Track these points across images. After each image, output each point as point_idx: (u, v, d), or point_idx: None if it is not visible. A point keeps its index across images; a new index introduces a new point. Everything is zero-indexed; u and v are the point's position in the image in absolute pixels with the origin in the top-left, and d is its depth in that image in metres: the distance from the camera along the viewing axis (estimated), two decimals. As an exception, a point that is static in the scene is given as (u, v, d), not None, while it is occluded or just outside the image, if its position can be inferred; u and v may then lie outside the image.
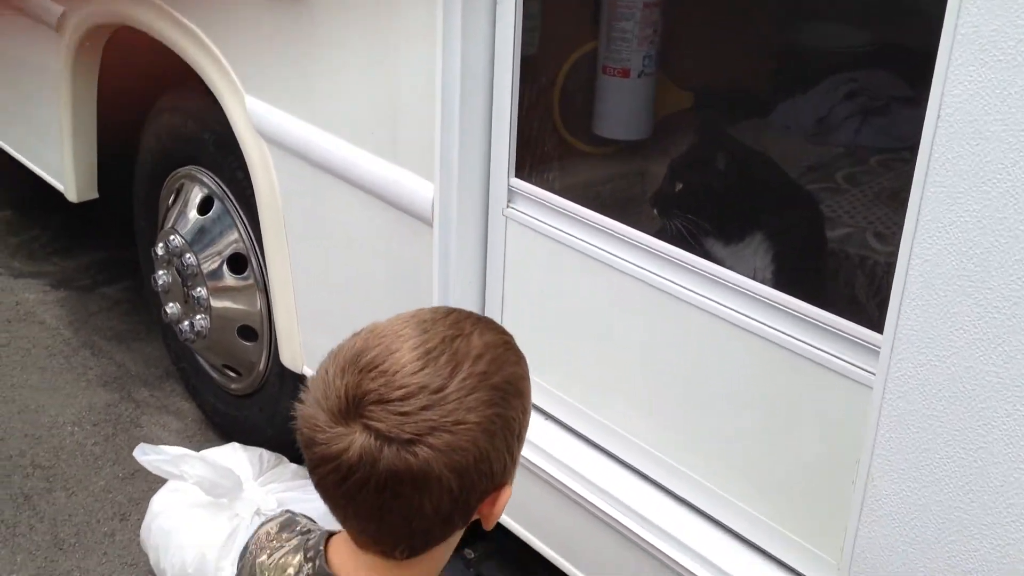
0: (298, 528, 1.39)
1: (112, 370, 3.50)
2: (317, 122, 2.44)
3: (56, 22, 3.24)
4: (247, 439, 3.03)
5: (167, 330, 3.26)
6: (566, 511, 2.09)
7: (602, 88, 2.38)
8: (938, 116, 1.38)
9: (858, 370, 1.64)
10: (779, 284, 1.84)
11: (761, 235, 2.02)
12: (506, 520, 2.23)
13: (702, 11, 2.49)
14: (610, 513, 2.00)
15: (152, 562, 2.65)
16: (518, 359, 1.28)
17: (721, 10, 2.45)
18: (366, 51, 2.25)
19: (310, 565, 1.29)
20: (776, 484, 1.84)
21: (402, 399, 1.15)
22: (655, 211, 2.10)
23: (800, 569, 1.81)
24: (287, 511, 1.46)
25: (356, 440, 1.14)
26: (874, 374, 1.53)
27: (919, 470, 1.47)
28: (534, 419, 2.21)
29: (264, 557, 1.36)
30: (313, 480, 1.22)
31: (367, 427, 1.14)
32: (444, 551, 1.29)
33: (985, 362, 1.37)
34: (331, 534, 1.32)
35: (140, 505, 2.79)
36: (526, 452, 2.14)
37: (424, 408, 1.14)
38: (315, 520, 1.43)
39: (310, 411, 1.18)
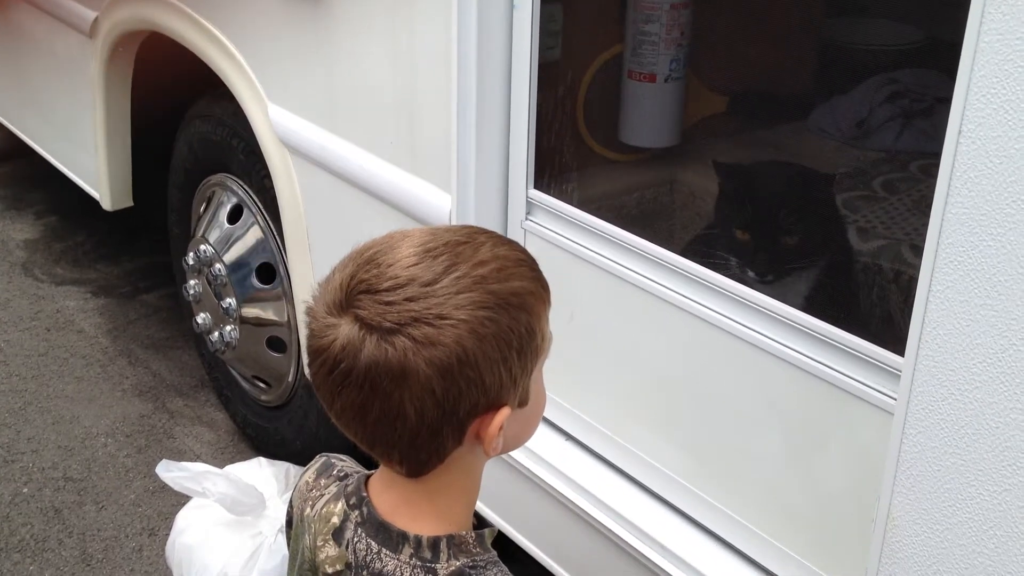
0: (335, 472, 1.36)
1: (148, 379, 3.47)
2: (337, 131, 2.38)
3: (89, 28, 3.22)
4: (277, 451, 2.99)
5: (200, 340, 3.22)
6: (581, 533, 2.01)
7: (628, 94, 2.28)
8: (959, 132, 1.28)
9: (882, 396, 1.54)
10: (806, 303, 1.74)
11: (785, 253, 1.92)
12: (522, 540, 2.15)
13: (735, 10, 2.38)
14: (624, 537, 1.92)
15: (176, 580, 2.61)
16: (533, 277, 1.22)
17: (755, 9, 2.34)
18: (384, 58, 2.18)
19: (357, 513, 1.26)
20: (797, 511, 1.74)
21: (389, 289, 1.13)
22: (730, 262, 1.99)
23: (822, 604, 1.71)
24: (323, 455, 1.42)
25: (343, 330, 1.13)
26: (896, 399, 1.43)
27: (942, 511, 1.36)
28: (551, 439, 2.15)
29: (308, 509, 1.33)
30: (310, 376, 1.20)
31: (356, 317, 1.13)
32: (455, 478, 1.23)
33: (1009, 398, 1.26)
34: (368, 476, 1.30)
35: (169, 520, 2.75)
36: (541, 470, 2.07)
37: (409, 299, 1.12)
38: (351, 461, 1.40)
39: (312, 304, 1.19)
